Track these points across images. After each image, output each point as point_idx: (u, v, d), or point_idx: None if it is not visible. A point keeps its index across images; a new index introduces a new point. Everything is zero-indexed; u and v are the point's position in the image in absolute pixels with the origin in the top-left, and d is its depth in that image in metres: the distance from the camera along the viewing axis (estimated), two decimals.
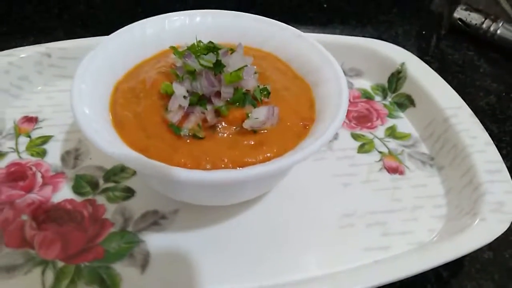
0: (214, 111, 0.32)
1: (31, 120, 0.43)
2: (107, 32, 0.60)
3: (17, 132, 0.42)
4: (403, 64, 0.49)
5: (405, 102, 0.48)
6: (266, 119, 0.32)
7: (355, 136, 0.45)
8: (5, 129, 0.42)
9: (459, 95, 0.53)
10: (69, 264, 0.32)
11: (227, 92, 0.32)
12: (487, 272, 0.35)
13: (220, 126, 0.32)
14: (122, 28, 0.39)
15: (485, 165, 0.38)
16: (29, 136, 0.42)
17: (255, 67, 0.34)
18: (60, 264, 0.32)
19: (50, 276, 0.31)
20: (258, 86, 0.34)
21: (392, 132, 0.46)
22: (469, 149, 0.39)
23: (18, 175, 0.38)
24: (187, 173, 0.27)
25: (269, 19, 0.42)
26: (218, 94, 0.33)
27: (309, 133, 0.33)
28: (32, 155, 0.40)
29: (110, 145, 0.28)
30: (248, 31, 0.42)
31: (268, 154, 0.31)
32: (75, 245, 0.33)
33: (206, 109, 0.32)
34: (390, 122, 0.47)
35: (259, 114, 0.31)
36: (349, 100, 0.49)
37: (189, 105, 0.32)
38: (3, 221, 0.34)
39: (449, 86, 0.46)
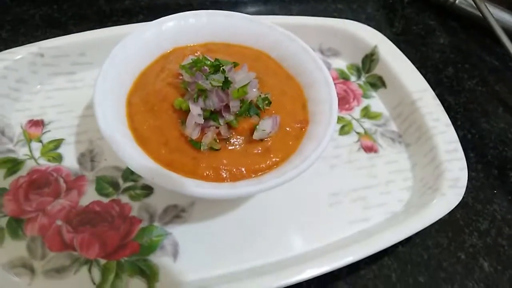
0: (226, 124, 0.37)
1: (38, 124, 0.45)
2: (84, 16, 0.59)
3: (28, 138, 0.44)
4: (375, 46, 0.54)
5: (377, 83, 0.54)
6: (271, 130, 0.37)
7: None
8: (15, 135, 0.44)
9: (422, 68, 0.60)
10: (111, 261, 0.38)
11: (235, 105, 0.37)
12: (443, 231, 0.45)
13: (231, 138, 0.37)
14: (125, 38, 0.41)
15: (445, 145, 0.46)
16: (41, 141, 0.44)
17: (257, 80, 0.38)
18: (103, 261, 0.38)
19: (96, 273, 0.37)
20: (260, 95, 0.39)
21: (366, 113, 0.52)
22: (432, 131, 0.47)
23: (41, 182, 0.41)
24: (215, 191, 0.32)
25: (259, 19, 0.45)
26: (226, 107, 0.37)
27: (306, 135, 0.39)
28: (49, 160, 0.43)
29: (149, 172, 0.32)
30: (240, 30, 0.45)
31: (275, 159, 0.37)
32: (111, 243, 0.39)
33: (219, 123, 0.36)
34: (364, 102, 0.53)
35: (265, 126, 0.37)
36: None
37: (204, 119, 0.36)
38: (40, 228, 0.39)
39: (416, 70, 0.52)
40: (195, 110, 0.35)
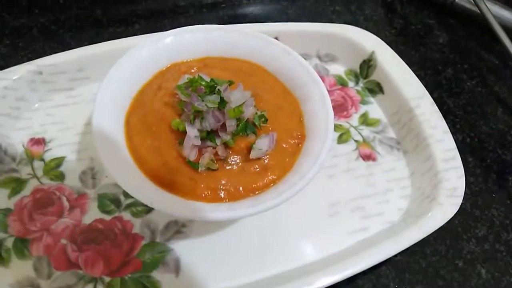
0: (223, 144, 0.37)
1: (39, 142, 0.46)
2: (81, 27, 0.59)
3: (30, 157, 0.45)
4: (373, 52, 0.54)
5: (375, 89, 0.54)
6: (268, 148, 0.37)
7: (334, 127, 0.51)
8: (18, 154, 0.45)
9: (421, 70, 0.60)
10: (115, 278, 0.39)
11: (231, 125, 0.37)
12: (441, 238, 0.46)
13: (229, 157, 0.37)
14: (121, 58, 0.41)
15: (442, 154, 0.46)
16: (43, 160, 0.45)
17: (253, 99, 0.38)
18: (107, 279, 0.39)
19: None
20: (256, 113, 0.39)
21: (365, 120, 0.52)
22: (429, 139, 0.47)
23: (45, 201, 0.42)
24: (212, 215, 0.33)
25: (256, 33, 0.45)
26: (223, 126, 0.37)
27: (302, 151, 0.40)
28: (51, 179, 0.44)
29: (147, 196, 0.33)
30: (236, 44, 0.45)
31: (272, 177, 0.37)
32: (115, 260, 0.40)
33: (216, 143, 0.37)
34: (362, 109, 0.53)
35: (262, 145, 0.37)
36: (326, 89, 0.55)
37: (200, 140, 0.37)
38: (46, 247, 0.40)
39: (414, 75, 0.52)
40: (192, 132, 0.36)
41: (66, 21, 0.59)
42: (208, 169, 0.37)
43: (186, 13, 0.62)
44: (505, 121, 0.57)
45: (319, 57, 0.58)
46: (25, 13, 0.59)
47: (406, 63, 0.54)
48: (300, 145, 0.40)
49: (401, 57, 0.55)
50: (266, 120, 0.39)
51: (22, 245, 0.40)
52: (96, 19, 0.60)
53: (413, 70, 0.60)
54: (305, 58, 0.56)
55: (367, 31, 0.57)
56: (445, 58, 0.63)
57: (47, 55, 0.50)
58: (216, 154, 0.37)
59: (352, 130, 0.51)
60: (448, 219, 0.42)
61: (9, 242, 0.40)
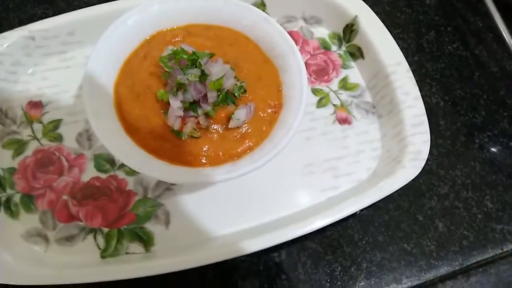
0: (204, 114, 0.41)
1: (37, 105, 0.49)
2: None
3: (29, 119, 0.49)
4: (356, 16, 0.55)
5: (356, 53, 0.56)
6: (246, 118, 0.41)
7: (314, 91, 0.54)
8: (18, 117, 0.49)
9: (404, 33, 0.61)
10: (112, 229, 0.44)
11: (212, 96, 0.40)
12: (405, 195, 0.50)
13: (210, 126, 0.41)
14: (108, 28, 0.43)
15: (411, 119, 0.49)
16: (41, 122, 0.49)
17: (233, 71, 0.41)
18: (106, 230, 0.44)
19: (101, 240, 0.44)
20: (236, 84, 0.42)
21: (344, 84, 0.55)
22: (401, 105, 0.50)
23: (46, 161, 0.47)
24: (197, 179, 0.37)
25: (238, 0, 0.46)
26: (205, 97, 0.41)
27: (278, 120, 0.43)
28: (50, 140, 0.48)
29: (135, 162, 0.37)
30: (219, 12, 0.47)
31: (249, 144, 0.41)
32: (112, 214, 0.45)
33: (198, 114, 0.40)
34: (343, 73, 0.56)
35: (240, 115, 0.40)
36: (309, 53, 0.57)
37: (184, 110, 0.40)
38: (49, 203, 0.45)
39: (394, 42, 0.53)
40: (175, 104, 0.39)
41: None
42: (191, 137, 0.40)
43: None
44: (480, 85, 0.59)
45: (305, 19, 0.59)
46: None
47: (391, 25, 0.56)
48: (277, 114, 0.43)
49: (386, 18, 0.56)
50: (245, 91, 0.42)
51: (29, 200, 0.45)
52: None
53: (396, 33, 0.62)
54: (291, 21, 0.59)
55: None
56: (429, 20, 0.64)
57: (38, 17, 0.51)
58: (198, 123, 0.41)
59: (332, 94, 0.54)
60: (409, 181, 0.46)
61: (17, 198, 0.45)
